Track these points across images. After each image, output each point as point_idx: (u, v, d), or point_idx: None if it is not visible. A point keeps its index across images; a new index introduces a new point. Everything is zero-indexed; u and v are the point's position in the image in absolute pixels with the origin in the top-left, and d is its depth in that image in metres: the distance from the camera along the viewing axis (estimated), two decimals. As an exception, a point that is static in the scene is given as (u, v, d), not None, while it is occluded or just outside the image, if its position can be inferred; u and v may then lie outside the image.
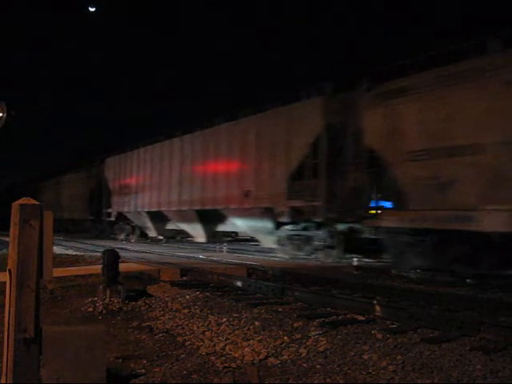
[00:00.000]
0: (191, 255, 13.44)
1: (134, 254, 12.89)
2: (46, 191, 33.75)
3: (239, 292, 7.38)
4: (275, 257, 13.36)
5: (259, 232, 14.83)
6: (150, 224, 20.83)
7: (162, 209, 19.09)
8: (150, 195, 20.13)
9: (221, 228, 17.36)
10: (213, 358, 4.06)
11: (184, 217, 17.99)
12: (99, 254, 8.66)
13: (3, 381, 2.82)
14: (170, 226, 20.10)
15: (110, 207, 23.62)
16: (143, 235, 22.07)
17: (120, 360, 4.02)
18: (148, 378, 3.59)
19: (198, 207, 16.89)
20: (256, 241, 16.42)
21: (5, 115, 8.34)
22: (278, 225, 13.53)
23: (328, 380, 3.49)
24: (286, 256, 13.12)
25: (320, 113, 12.18)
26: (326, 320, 5.24)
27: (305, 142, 12.57)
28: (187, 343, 4.54)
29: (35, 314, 2.82)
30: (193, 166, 17.52)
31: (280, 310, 5.85)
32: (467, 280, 8.76)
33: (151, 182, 20.16)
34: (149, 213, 20.28)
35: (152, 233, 21.16)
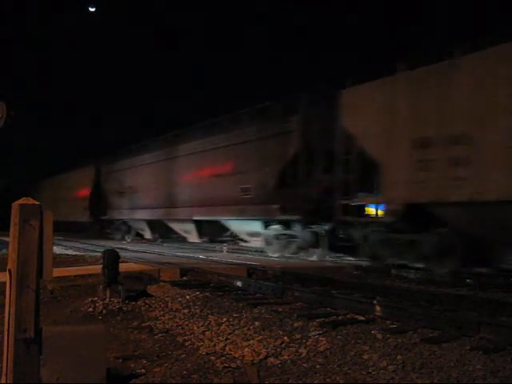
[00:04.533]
0: (191, 255, 13.45)
1: (133, 254, 12.89)
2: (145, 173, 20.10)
3: (239, 292, 7.38)
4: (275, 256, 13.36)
5: None
6: None
7: None
8: None
9: None
10: (213, 357, 4.06)
11: None
12: (99, 254, 8.67)
13: (3, 381, 2.82)
14: None
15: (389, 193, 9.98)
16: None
17: (120, 360, 4.02)
18: (148, 378, 3.59)
19: None
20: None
21: (4, 116, 8.32)
22: None
23: (328, 380, 3.49)
24: None
25: None
26: (326, 320, 5.24)
27: None
28: (187, 343, 4.55)
29: (35, 314, 2.82)
30: None
31: (280, 310, 5.85)
32: (467, 280, 8.77)
33: None
34: None
35: None
